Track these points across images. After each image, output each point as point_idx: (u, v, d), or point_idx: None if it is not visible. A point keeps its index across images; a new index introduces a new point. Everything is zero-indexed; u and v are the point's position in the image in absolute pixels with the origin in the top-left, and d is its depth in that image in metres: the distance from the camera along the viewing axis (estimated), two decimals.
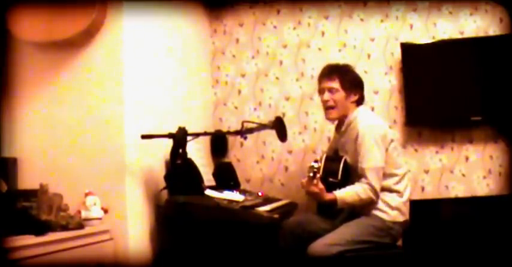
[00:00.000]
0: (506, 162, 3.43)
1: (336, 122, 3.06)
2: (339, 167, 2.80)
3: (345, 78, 2.90)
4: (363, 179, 2.73)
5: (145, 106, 2.82)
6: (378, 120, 2.94)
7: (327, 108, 2.93)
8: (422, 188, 3.53)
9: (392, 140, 2.84)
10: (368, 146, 2.75)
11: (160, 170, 2.89)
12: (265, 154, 3.76)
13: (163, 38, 3.14)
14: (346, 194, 2.71)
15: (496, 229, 3.19)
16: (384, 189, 2.78)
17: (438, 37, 3.55)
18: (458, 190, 3.49)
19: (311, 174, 2.58)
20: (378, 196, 2.75)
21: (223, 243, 2.70)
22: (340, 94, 2.89)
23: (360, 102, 2.95)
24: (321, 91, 2.96)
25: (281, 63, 3.78)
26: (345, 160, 2.84)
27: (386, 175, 2.79)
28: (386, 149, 2.79)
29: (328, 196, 2.68)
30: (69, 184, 2.53)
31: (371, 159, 2.74)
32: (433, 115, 3.46)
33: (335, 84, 2.89)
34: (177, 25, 3.35)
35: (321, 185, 2.63)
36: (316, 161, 2.61)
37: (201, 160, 3.04)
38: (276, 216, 2.66)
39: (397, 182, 2.82)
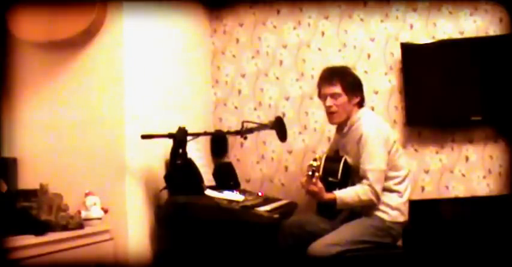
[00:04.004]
0: (506, 162, 3.43)
1: None
2: (339, 167, 2.80)
3: (346, 82, 2.87)
4: (364, 181, 2.72)
5: (145, 106, 2.82)
6: (381, 121, 2.94)
7: (330, 113, 2.92)
8: (422, 188, 3.53)
9: (394, 142, 2.84)
10: (371, 148, 2.74)
11: (160, 170, 2.89)
12: (265, 154, 3.76)
13: (163, 38, 3.14)
14: (346, 194, 2.71)
15: (496, 229, 3.19)
16: (384, 189, 2.78)
17: (438, 37, 3.56)
18: (458, 190, 3.49)
19: (310, 173, 2.58)
20: (378, 198, 2.74)
21: (223, 243, 2.70)
22: (343, 99, 2.86)
23: (361, 103, 2.94)
24: (323, 97, 2.93)
25: (281, 63, 3.78)
26: (345, 160, 2.84)
27: (387, 178, 2.79)
28: (389, 152, 2.78)
29: (328, 196, 2.68)
30: (69, 184, 2.53)
31: (374, 161, 2.73)
32: (433, 115, 3.46)
33: (337, 89, 2.86)
34: (177, 25, 3.35)
35: (320, 184, 2.63)
36: (315, 159, 2.61)
37: (201, 160, 3.05)
38: (276, 216, 2.66)
39: (398, 183, 2.82)
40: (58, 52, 2.65)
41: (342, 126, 2.95)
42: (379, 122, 2.90)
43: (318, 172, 2.61)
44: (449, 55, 3.44)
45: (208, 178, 3.03)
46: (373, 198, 2.71)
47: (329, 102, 2.88)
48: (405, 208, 2.84)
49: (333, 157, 2.94)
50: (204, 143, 3.47)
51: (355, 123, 2.87)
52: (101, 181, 2.56)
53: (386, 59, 3.63)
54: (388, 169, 2.78)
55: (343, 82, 2.87)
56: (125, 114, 2.62)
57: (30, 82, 2.69)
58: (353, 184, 2.78)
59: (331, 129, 3.54)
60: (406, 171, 2.87)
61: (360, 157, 2.76)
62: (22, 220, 2.11)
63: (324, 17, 3.73)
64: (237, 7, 3.84)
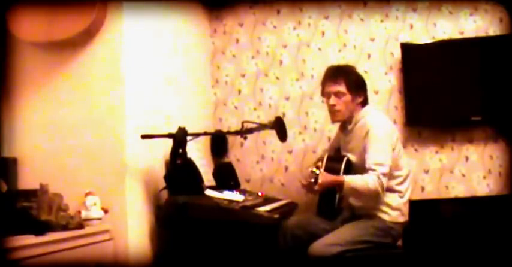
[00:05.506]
0: (506, 162, 3.43)
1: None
2: (341, 167, 2.79)
3: (350, 81, 2.87)
4: (372, 172, 2.67)
5: (145, 106, 2.82)
6: (386, 118, 2.94)
7: (334, 111, 2.90)
8: (422, 188, 3.53)
9: (397, 140, 2.83)
10: (378, 144, 2.72)
11: (160, 170, 2.89)
12: (265, 154, 3.76)
13: (163, 38, 3.14)
14: (354, 179, 2.67)
15: (496, 229, 3.19)
16: (386, 190, 2.77)
17: (438, 37, 3.56)
18: (458, 190, 3.49)
19: (312, 180, 2.56)
20: (383, 191, 2.68)
21: (223, 243, 2.70)
22: (347, 98, 2.85)
23: (364, 103, 2.94)
24: (326, 95, 2.92)
25: (281, 63, 3.78)
26: (347, 160, 2.83)
27: (390, 177, 2.76)
28: (393, 150, 2.77)
29: (335, 178, 2.66)
30: (69, 184, 2.53)
31: (381, 156, 2.70)
32: (433, 115, 3.46)
33: (341, 88, 2.85)
34: (177, 25, 3.35)
35: (323, 173, 2.60)
36: (317, 167, 2.59)
37: (201, 160, 3.04)
38: (276, 216, 2.66)
39: (400, 183, 2.81)
40: (58, 52, 2.64)
41: (346, 124, 2.95)
42: (384, 118, 2.91)
43: (320, 179, 2.58)
44: (449, 55, 3.44)
45: (208, 178, 3.03)
46: (379, 189, 2.65)
47: (333, 100, 2.87)
48: (406, 208, 2.84)
49: (335, 157, 2.93)
50: (204, 143, 3.47)
51: (360, 120, 2.87)
52: (101, 181, 2.56)
53: (386, 59, 3.63)
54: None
55: (347, 81, 2.86)
56: (125, 114, 2.62)
57: (30, 82, 2.69)
58: None
59: (331, 129, 3.54)
60: (407, 171, 2.87)
61: (366, 153, 2.73)
62: (22, 220, 2.10)
63: (324, 17, 3.73)
64: (237, 7, 3.84)
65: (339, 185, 2.66)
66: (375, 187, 2.64)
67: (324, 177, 2.61)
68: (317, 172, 2.55)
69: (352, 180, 2.67)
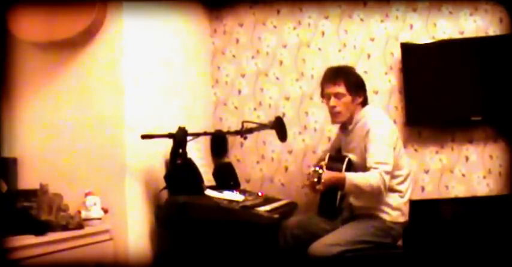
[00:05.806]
0: (506, 162, 3.43)
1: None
2: (342, 167, 2.78)
3: (349, 81, 2.87)
4: (374, 170, 2.65)
5: (145, 106, 2.82)
6: (386, 117, 2.94)
7: (334, 113, 2.90)
8: (422, 188, 3.53)
9: (397, 139, 2.83)
10: (379, 143, 2.71)
11: (160, 170, 2.89)
12: (265, 154, 3.76)
13: (163, 38, 3.14)
14: (356, 176, 2.65)
15: (496, 229, 3.19)
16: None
17: (438, 37, 3.56)
18: (458, 190, 3.49)
19: (315, 179, 2.54)
20: (385, 189, 2.66)
21: (223, 243, 2.70)
22: (347, 99, 2.85)
23: (364, 103, 2.94)
24: (326, 96, 2.92)
25: (281, 63, 3.78)
26: (349, 160, 2.83)
27: (390, 176, 2.77)
28: (394, 148, 2.77)
29: (339, 175, 2.64)
30: (69, 184, 2.53)
31: (382, 155, 2.69)
32: (433, 115, 3.46)
33: (341, 89, 2.85)
34: (177, 25, 3.35)
35: (326, 172, 2.57)
36: (320, 166, 2.57)
37: (201, 160, 3.05)
38: (276, 216, 2.66)
39: (400, 183, 2.81)
40: (58, 52, 2.65)
41: (346, 124, 2.94)
42: (385, 118, 2.90)
43: (323, 179, 2.57)
44: (449, 55, 3.44)
45: (208, 178, 3.03)
46: (382, 187, 2.63)
47: (333, 101, 2.87)
48: (406, 208, 2.84)
49: (336, 157, 2.93)
50: (204, 143, 3.47)
51: (360, 120, 2.86)
52: (101, 181, 2.56)
53: (386, 59, 3.63)
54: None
55: (347, 82, 2.86)
56: (125, 114, 2.62)
57: (30, 82, 2.69)
58: None
59: (331, 129, 3.54)
60: (408, 171, 2.87)
61: (367, 153, 2.72)
62: (22, 220, 2.10)
63: (324, 17, 3.73)
64: (237, 7, 3.84)
65: (341, 182, 2.64)
66: (378, 184, 2.62)
67: (327, 175, 2.58)
68: (320, 171, 2.53)
69: (354, 177, 2.66)
